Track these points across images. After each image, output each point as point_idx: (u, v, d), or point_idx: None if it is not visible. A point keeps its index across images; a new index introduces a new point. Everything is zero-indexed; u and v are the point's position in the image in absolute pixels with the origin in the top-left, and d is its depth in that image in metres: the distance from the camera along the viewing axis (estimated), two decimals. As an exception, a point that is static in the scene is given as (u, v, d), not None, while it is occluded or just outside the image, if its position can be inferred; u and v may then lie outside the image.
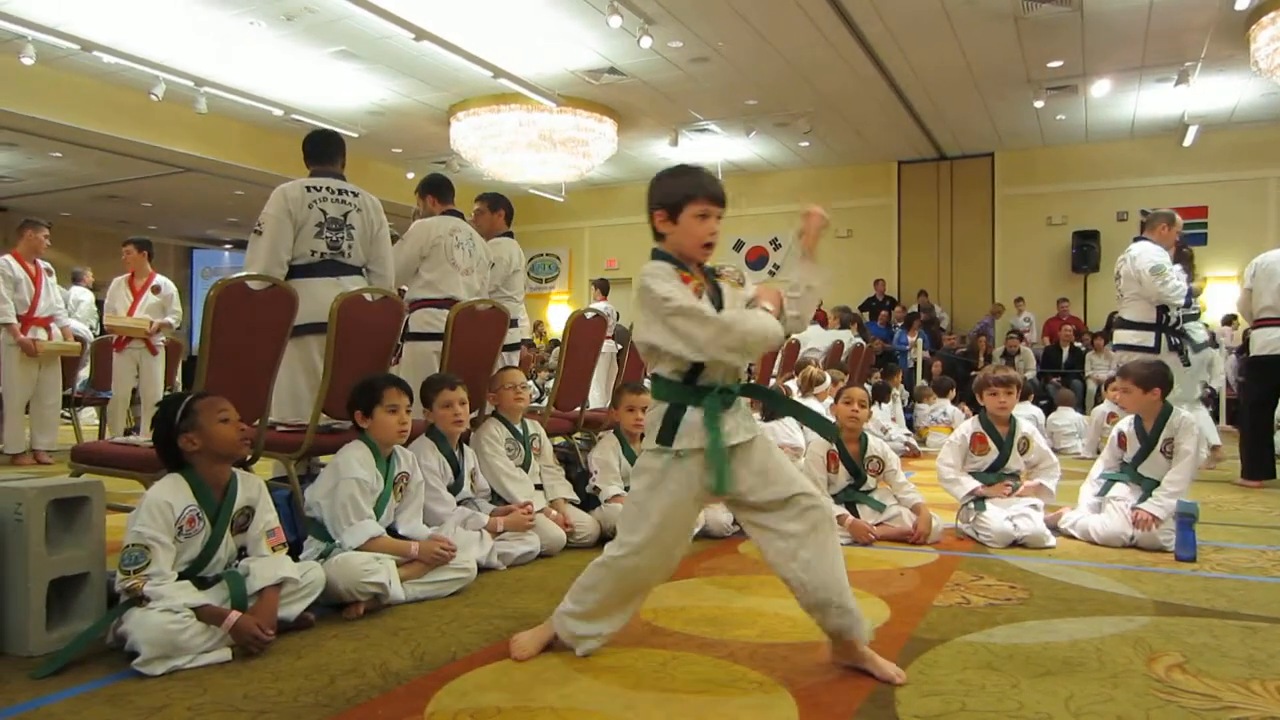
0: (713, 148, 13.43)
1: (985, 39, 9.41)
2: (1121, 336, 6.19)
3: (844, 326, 9.99)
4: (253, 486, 2.57)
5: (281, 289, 3.17)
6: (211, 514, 2.43)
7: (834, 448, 3.98)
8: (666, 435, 2.18)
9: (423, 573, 2.88)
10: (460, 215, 4.63)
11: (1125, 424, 4.11)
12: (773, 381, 7.12)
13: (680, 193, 2.24)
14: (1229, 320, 11.48)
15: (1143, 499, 3.85)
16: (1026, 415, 7.78)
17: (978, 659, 2.34)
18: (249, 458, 3.03)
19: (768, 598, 2.94)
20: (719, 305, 2.18)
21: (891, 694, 2.09)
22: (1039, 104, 11.51)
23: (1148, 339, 6.00)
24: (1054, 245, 13.87)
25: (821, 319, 12.25)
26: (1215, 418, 9.13)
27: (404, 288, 4.39)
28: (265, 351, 3.13)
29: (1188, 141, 12.31)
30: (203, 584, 2.38)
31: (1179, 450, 3.88)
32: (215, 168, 12.69)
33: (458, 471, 3.40)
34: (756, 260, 15.81)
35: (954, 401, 9.13)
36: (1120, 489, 4.00)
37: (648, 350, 2.21)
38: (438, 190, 4.69)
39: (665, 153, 13.10)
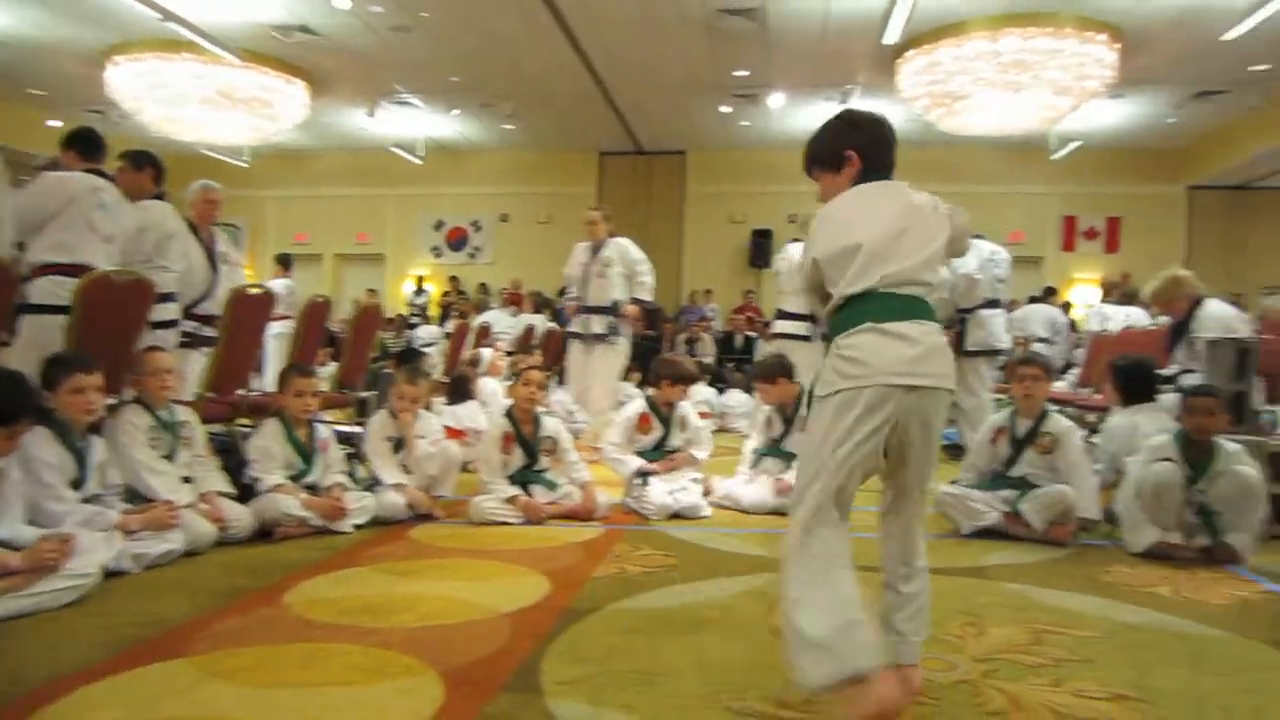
0: (414, 122, 13.06)
1: (680, 42, 9.92)
2: (780, 326, 6.83)
3: (537, 311, 10.15)
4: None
5: None
6: None
7: (511, 429, 4.04)
8: None
9: (27, 584, 2.50)
10: (108, 177, 4.11)
11: (771, 409, 4.54)
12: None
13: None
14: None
15: (785, 471, 4.28)
16: (701, 398, 8.37)
17: (625, 624, 2.48)
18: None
19: (434, 581, 2.93)
20: None
21: (538, 664, 2.15)
22: (726, 109, 12.37)
23: (803, 328, 6.67)
24: (735, 242, 15.00)
25: (516, 302, 12.39)
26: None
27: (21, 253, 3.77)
28: None
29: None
30: None
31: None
32: None
33: (82, 465, 3.00)
34: (457, 241, 15.62)
35: (639, 384, 9.58)
36: (769, 462, 4.42)
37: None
38: (83, 145, 4.09)
39: (362, 122, 12.54)
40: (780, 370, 4.42)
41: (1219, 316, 4.72)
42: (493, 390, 6.10)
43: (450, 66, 10.84)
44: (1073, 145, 12.91)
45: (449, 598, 2.72)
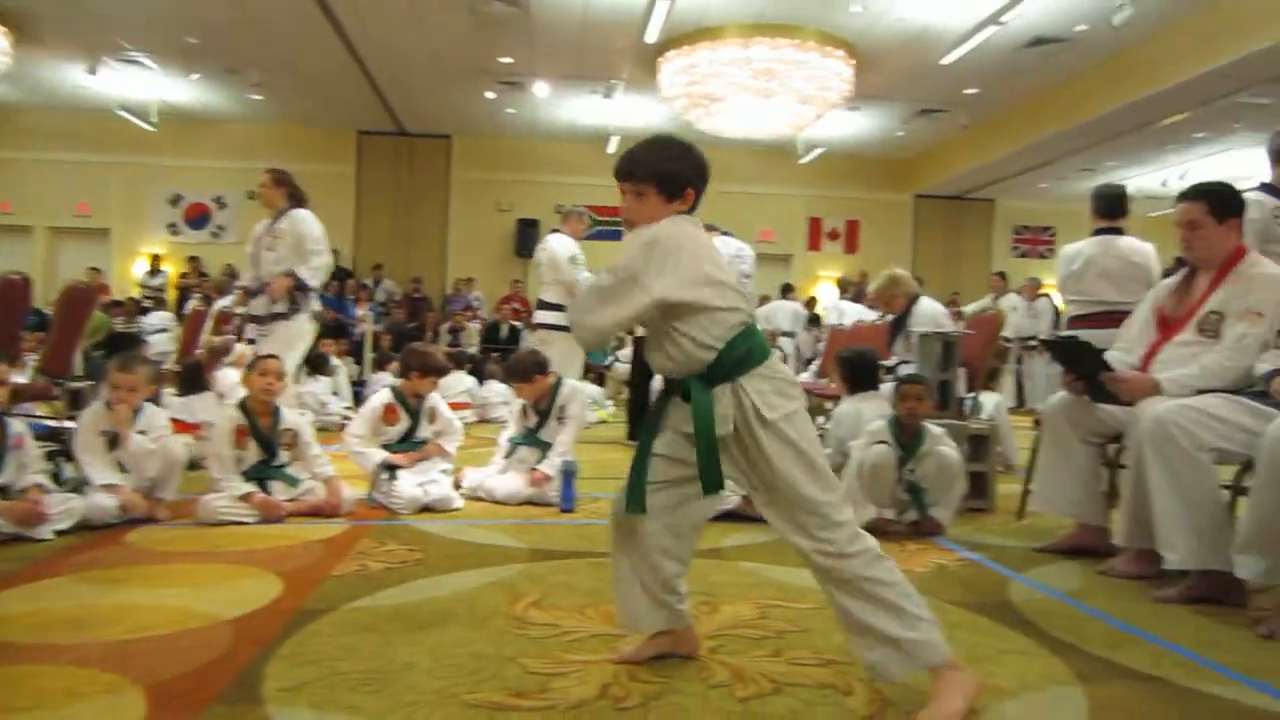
0: (145, 84, 11.90)
1: (443, 22, 9.68)
2: (541, 316, 6.85)
3: (288, 295, 9.55)
4: None
5: None
6: None
7: (244, 422, 3.77)
8: None
9: None
10: None
11: (525, 401, 4.54)
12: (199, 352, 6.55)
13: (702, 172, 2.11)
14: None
15: (540, 460, 4.30)
16: (463, 388, 8.25)
17: (360, 622, 2.38)
18: None
19: (149, 589, 2.68)
20: None
21: (261, 670, 2.02)
22: (491, 95, 12.24)
23: (562, 319, 6.72)
24: (502, 230, 14.89)
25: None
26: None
27: None
28: None
29: (610, 149, 14.08)
30: None
31: (568, 415, 4.41)
32: None
33: None
34: (197, 218, 14.44)
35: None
36: (524, 452, 4.41)
37: None
38: None
39: (82, 80, 11.25)
40: (535, 369, 4.42)
41: (929, 313, 5.24)
42: (234, 381, 5.68)
43: (187, 26, 9.98)
44: (817, 151, 13.89)
45: (164, 606, 2.50)
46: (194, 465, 4.42)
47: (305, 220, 5.30)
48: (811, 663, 2.15)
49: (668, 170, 2.03)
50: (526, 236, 14.20)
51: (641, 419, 6.87)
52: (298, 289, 5.15)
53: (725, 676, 2.04)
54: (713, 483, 1.90)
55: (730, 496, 3.91)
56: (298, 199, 5.36)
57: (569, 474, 4.07)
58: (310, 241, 5.25)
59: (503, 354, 12.16)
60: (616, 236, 14.73)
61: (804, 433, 1.91)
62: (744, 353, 1.91)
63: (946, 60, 9.62)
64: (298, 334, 5.24)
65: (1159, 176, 13.29)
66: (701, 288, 1.90)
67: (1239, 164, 11.79)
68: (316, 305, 5.36)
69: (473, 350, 11.65)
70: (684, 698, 1.92)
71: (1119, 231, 4.79)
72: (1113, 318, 4.06)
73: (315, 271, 5.23)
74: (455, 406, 5.54)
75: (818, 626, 2.42)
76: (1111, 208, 4.82)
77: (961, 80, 10.68)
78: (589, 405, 6.57)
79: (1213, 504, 2.71)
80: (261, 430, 3.80)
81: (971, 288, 14.41)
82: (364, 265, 14.40)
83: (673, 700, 1.91)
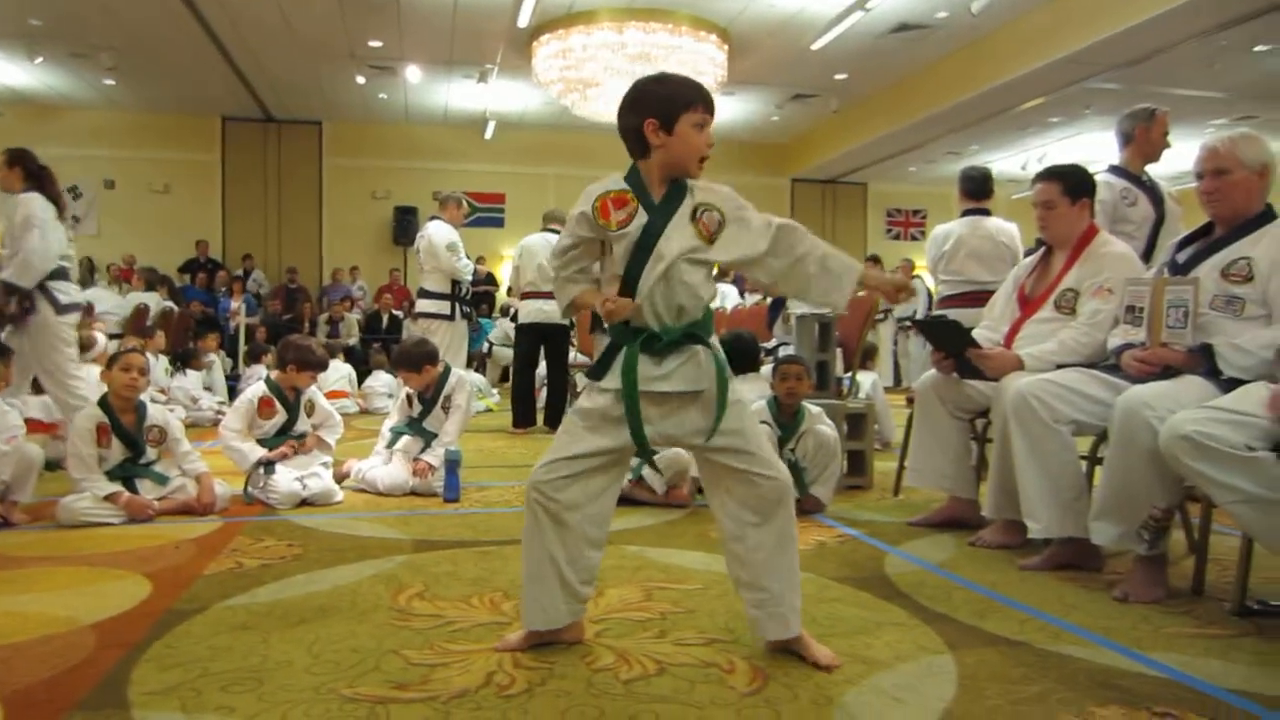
0: (-16, 68, 11.08)
1: (307, 4, 9.32)
2: (422, 305, 6.72)
3: (150, 289, 9.12)
4: None
5: None
6: None
7: (105, 419, 3.58)
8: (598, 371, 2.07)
9: None
10: None
11: (411, 391, 4.46)
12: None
13: (681, 100, 2.01)
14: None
15: (424, 450, 4.23)
16: (342, 374, 8.04)
17: (234, 621, 2.30)
18: None
19: (12, 595, 2.52)
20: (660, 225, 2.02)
21: (126, 675, 1.94)
22: (361, 80, 11.87)
23: (445, 308, 6.62)
24: (378, 218, 14.50)
25: (126, 278, 11.05)
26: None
27: None
28: None
29: (488, 135, 13.90)
30: None
31: (453, 405, 4.35)
32: None
33: None
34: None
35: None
36: (406, 441, 4.33)
37: None
38: None
39: (-91, 63, 10.41)
40: (425, 359, 4.33)
41: (806, 294, 5.38)
42: (97, 379, 5.36)
43: (30, 6, 9.31)
44: (696, 137, 14.02)
45: (19, 612, 2.36)
46: (52, 466, 4.19)
47: (22, 204, 4.34)
48: (696, 642, 2.19)
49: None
50: (405, 224, 13.87)
51: (526, 408, 6.88)
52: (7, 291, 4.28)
53: (610, 660, 2.06)
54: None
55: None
56: (38, 180, 4.44)
57: (453, 463, 4.03)
58: (19, 229, 4.31)
59: (384, 344, 11.90)
60: (498, 223, 14.64)
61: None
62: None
63: (816, 45, 9.86)
64: (52, 332, 4.38)
65: (1019, 160, 13.96)
66: None
67: (1091, 147, 12.52)
68: (68, 296, 4.46)
69: (352, 341, 11.34)
70: (568, 682, 1.93)
71: (986, 212, 5.03)
72: (981, 297, 4.22)
73: (22, 268, 4.26)
74: (334, 396, 5.39)
75: (702, 607, 2.47)
76: (978, 189, 5.05)
77: (832, 66, 10.96)
78: (474, 394, 6.50)
79: (1072, 475, 2.85)
80: (125, 428, 3.61)
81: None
82: (234, 256, 13.79)
83: (557, 685, 1.91)
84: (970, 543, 3.25)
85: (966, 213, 5.00)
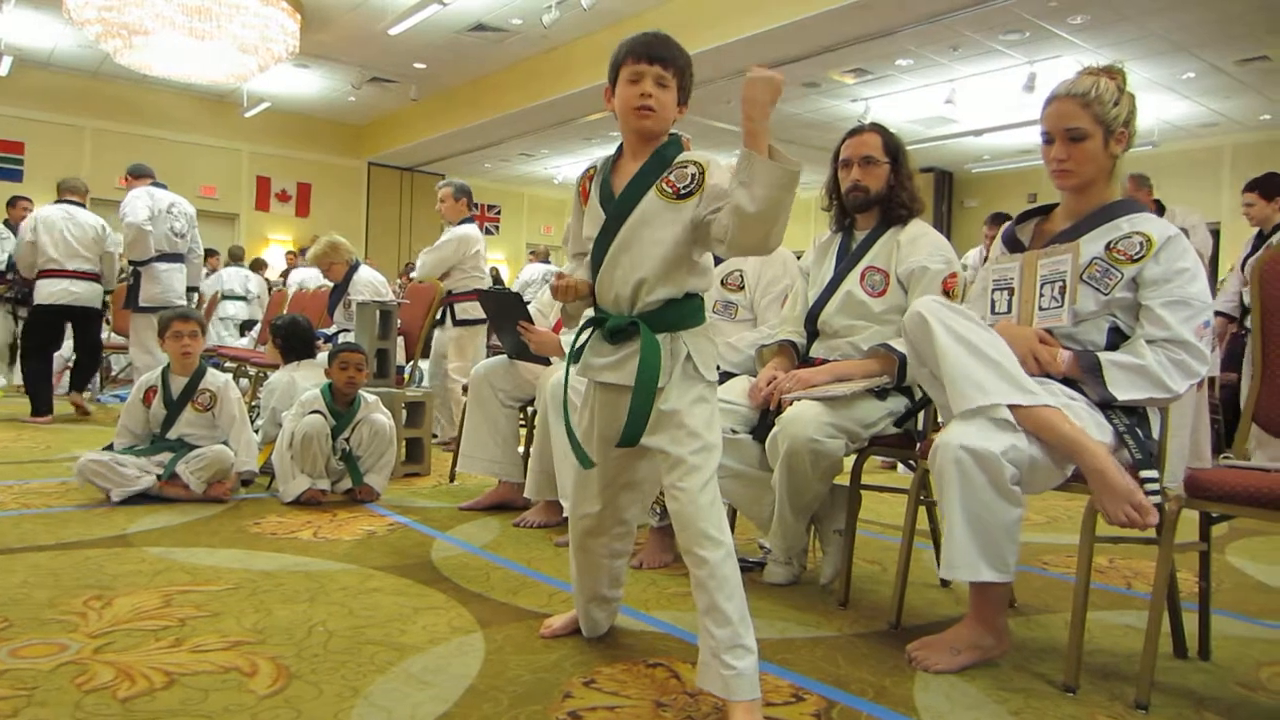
0: None
1: None
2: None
3: None
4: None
5: None
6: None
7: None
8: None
9: None
10: None
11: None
12: None
13: (617, 58, 1.85)
14: None
15: None
16: None
17: None
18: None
19: None
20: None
21: None
22: None
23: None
24: None
25: None
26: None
27: None
28: None
29: (3, 71, 11.70)
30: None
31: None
32: None
33: None
34: None
35: None
36: None
37: None
38: None
39: None
40: None
41: (370, 281, 5.29)
42: None
43: None
44: (263, 105, 13.12)
45: None
46: None
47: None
48: (216, 647, 2.05)
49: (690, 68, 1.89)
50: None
51: (43, 390, 5.90)
52: None
53: (110, 677, 1.85)
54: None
55: (143, 477, 3.56)
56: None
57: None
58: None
59: None
60: (15, 177, 12.37)
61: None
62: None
63: (394, 31, 9.71)
64: None
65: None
66: None
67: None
68: None
69: None
70: (49, 710, 1.69)
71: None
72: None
73: None
74: None
75: (230, 609, 2.31)
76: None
77: (411, 54, 10.88)
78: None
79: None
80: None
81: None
82: None
83: (34, 714, 1.67)
84: (515, 524, 3.43)
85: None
